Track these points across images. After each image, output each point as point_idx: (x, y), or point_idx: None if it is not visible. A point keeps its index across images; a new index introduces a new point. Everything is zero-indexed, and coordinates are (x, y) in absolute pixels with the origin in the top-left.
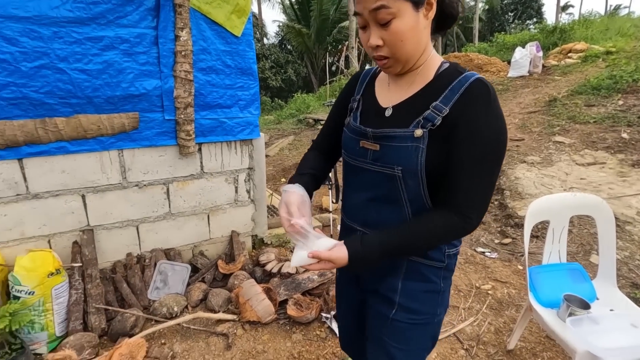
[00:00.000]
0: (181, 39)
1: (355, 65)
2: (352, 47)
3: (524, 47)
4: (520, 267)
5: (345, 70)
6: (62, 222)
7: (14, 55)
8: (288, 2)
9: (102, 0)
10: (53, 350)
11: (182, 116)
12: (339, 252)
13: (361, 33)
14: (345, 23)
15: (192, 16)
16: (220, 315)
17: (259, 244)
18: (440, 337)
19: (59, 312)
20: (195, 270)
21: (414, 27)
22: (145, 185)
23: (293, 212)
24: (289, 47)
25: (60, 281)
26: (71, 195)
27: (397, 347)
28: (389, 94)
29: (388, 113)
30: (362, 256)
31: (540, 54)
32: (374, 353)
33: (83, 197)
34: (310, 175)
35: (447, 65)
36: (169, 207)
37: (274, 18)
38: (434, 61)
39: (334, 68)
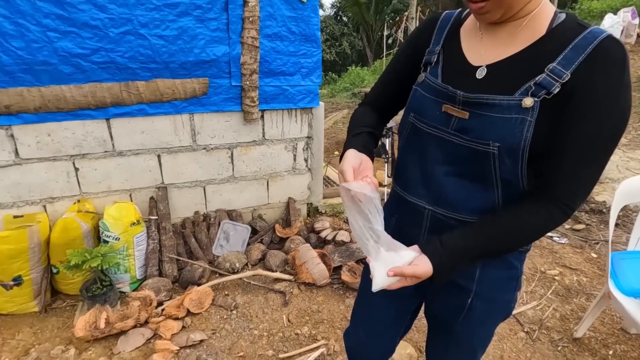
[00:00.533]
0: (249, 4)
1: None
2: (412, 18)
3: (615, 14)
4: (594, 255)
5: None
6: (141, 179)
7: (103, 22)
8: None
9: None
10: (135, 290)
11: (247, 82)
12: (424, 264)
13: None
14: None
15: None
16: (278, 275)
17: (313, 212)
18: None
19: (139, 257)
20: (254, 231)
21: None
22: (212, 148)
23: (348, 177)
24: (344, 18)
25: (140, 231)
26: (149, 155)
27: (470, 337)
28: (482, 49)
29: (480, 74)
30: (447, 267)
31: (637, 21)
32: (442, 348)
33: (159, 156)
34: (367, 133)
35: (563, 16)
36: (233, 170)
37: None
38: (546, 10)
39: (390, 41)
